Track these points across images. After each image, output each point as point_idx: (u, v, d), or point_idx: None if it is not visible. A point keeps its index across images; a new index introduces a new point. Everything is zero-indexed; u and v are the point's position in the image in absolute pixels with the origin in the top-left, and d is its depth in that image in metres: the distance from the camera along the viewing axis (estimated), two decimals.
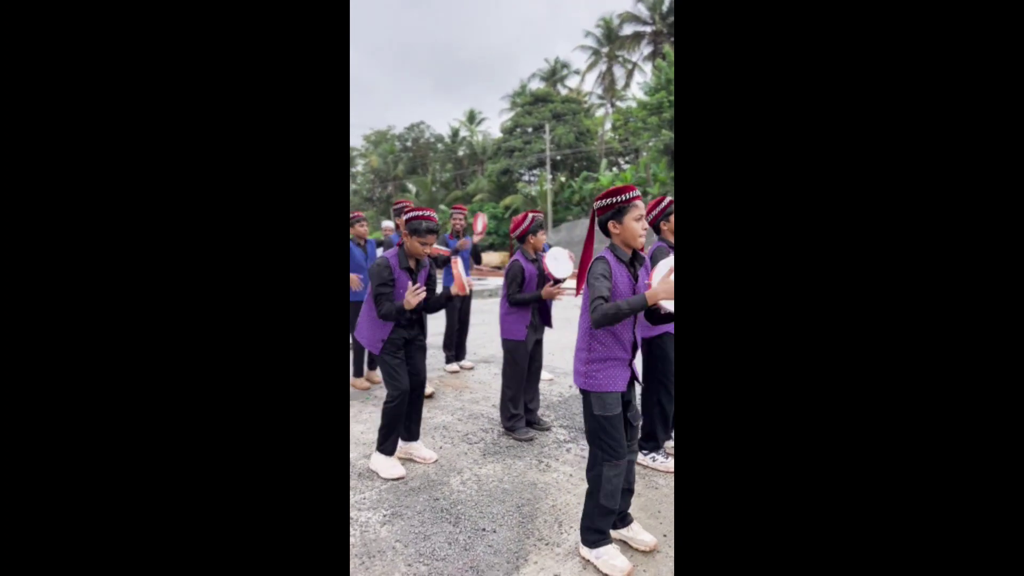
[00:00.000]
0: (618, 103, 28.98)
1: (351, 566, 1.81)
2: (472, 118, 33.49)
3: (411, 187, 34.50)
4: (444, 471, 2.58)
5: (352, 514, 2.17)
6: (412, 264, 2.55)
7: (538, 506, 2.23)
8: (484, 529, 2.05)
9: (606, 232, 1.77)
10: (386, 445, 2.51)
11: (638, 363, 1.91)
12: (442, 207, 30.02)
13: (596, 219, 1.81)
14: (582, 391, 1.79)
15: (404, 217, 2.48)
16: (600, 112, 29.51)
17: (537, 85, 29.70)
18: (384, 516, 2.15)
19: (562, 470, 2.59)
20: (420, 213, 2.44)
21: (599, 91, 30.05)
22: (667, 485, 2.41)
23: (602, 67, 29.45)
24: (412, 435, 2.69)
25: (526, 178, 28.28)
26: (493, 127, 33.96)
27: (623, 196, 1.72)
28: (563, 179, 25.57)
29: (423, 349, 2.69)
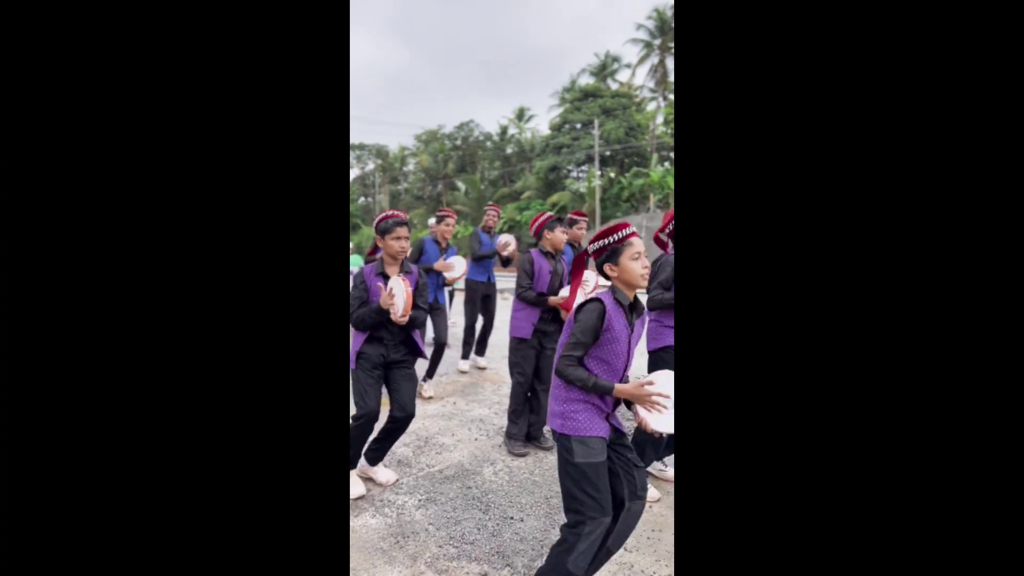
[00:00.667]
0: (670, 96, 28.22)
1: (387, 544, 1.95)
2: (521, 115, 33.59)
3: (460, 185, 35.08)
4: (478, 461, 2.69)
5: (391, 497, 2.31)
6: (391, 271, 2.34)
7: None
8: (512, 517, 2.15)
9: (605, 276, 1.60)
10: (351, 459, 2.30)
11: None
12: (490, 203, 30.28)
13: (591, 263, 1.68)
14: (559, 436, 1.53)
15: (375, 221, 2.39)
16: (651, 106, 28.85)
17: (587, 80, 29.40)
18: (419, 500, 2.29)
19: None
20: (387, 214, 2.34)
21: (651, 84, 29.39)
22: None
23: (654, 59, 28.75)
24: (376, 460, 2.46)
25: (574, 175, 28.12)
26: (542, 124, 33.82)
27: (616, 236, 1.54)
28: (612, 175, 25.22)
29: (411, 379, 2.40)
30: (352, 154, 41.12)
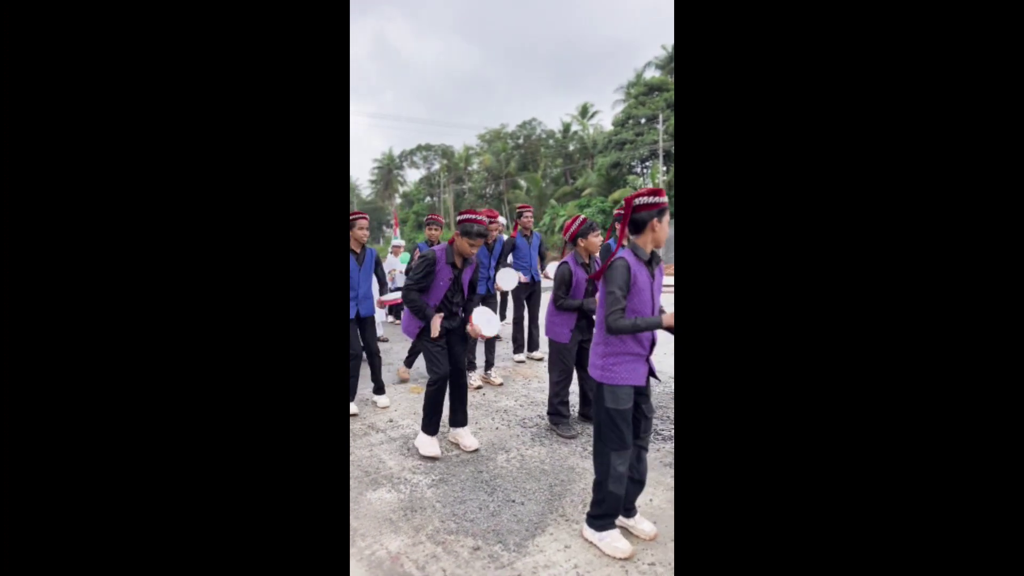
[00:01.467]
0: None
1: (396, 516, 2.14)
2: (585, 112, 33.26)
3: (522, 183, 35.33)
4: (494, 449, 2.84)
5: (408, 476, 2.51)
6: (458, 262, 2.72)
7: (570, 487, 2.39)
8: (514, 501, 2.27)
9: (640, 229, 1.83)
10: (428, 426, 2.74)
11: (657, 358, 1.98)
12: (552, 202, 30.31)
13: (631, 215, 1.84)
14: (597, 384, 1.89)
15: (458, 218, 2.73)
16: None
17: (652, 74, 28.61)
18: (432, 480, 2.47)
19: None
20: (472, 216, 2.66)
21: None
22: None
23: None
24: (458, 422, 2.88)
25: (637, 171, 27.49)
26: (605, 120, 33.25)
27: (664, 198, 1.83)
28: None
29: (464, 339, 2.87)
30: (418, 155, 42.41)
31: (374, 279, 3.62)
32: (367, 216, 3.52)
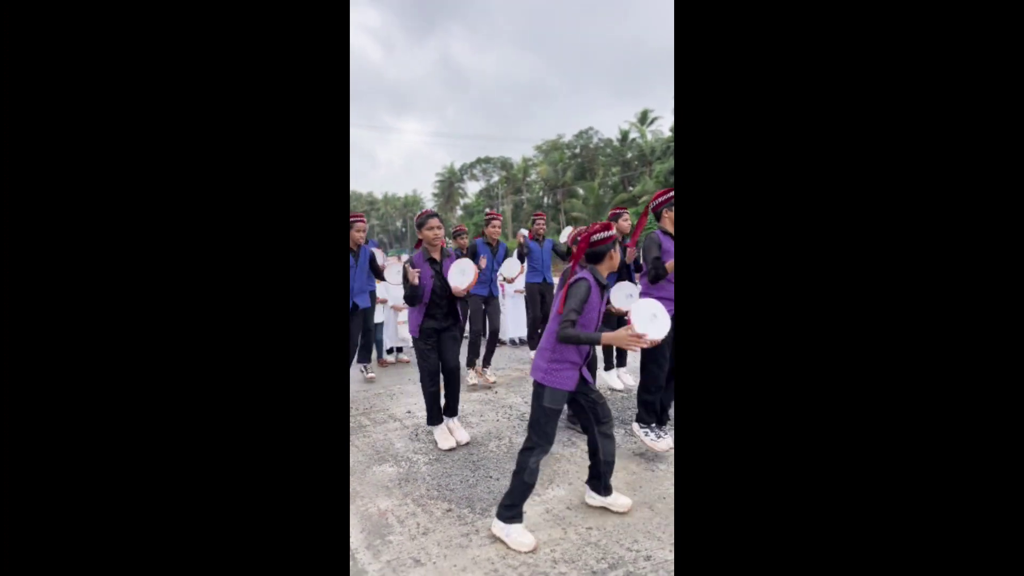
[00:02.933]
0: None
1: (391, 484, 2.59)
2: (644, 118, 32.97)
3: (580, 191, 35.48)
4: (489, 436, 3.23)
5: (410, 455, 2.96)
6: (435, 255, 3.03)
7: (544, 470, 2.73)
8: (491, 477, 2.66)
9: (600, 259, 2.11)
10: (431, 418, 3.13)
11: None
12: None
13: (590, 249, 2.10)
14: (537, 384, 2.12)
15: (416, 220, 3.16)
16: None
17: None
18: (429, 459, 2.90)
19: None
20: (423, 212, 3.09)
21: None
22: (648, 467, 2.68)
23: None
24: (449, 412, 3.21)
25: None
26: (665, 126, 32.76)
27: (614, 231, 2.12)
28: None
29: (456, 340, 3.16)
30: (477, 168, 43.60)
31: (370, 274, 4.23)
32: (364, 218, 4.05)
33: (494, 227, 4.45)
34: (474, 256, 4.34)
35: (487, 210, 5.00)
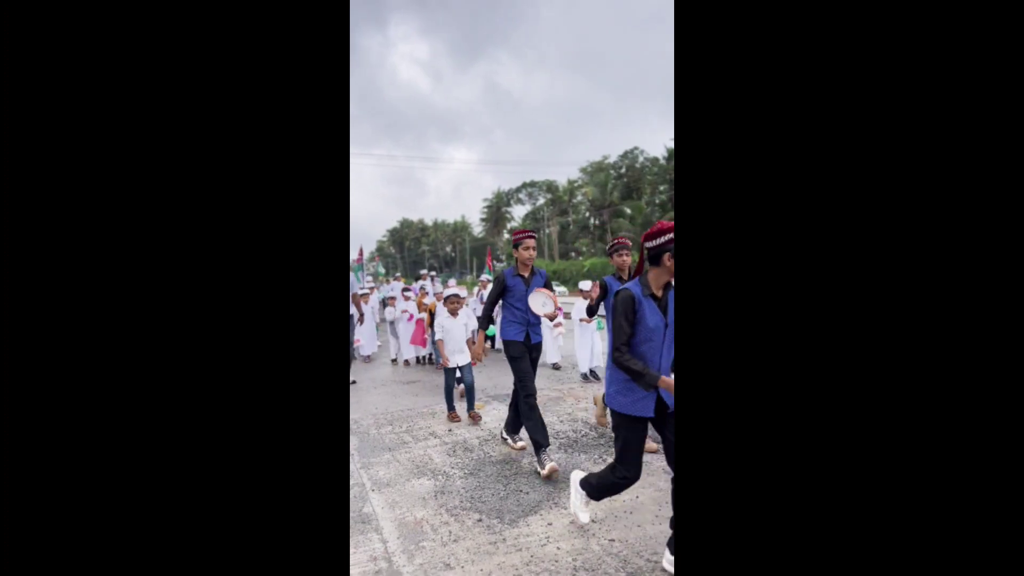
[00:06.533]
0: None
1: (427, 495, 2.77)
2: None
3: (627, 211, 35.28)
4: (524, 454, 3.36)
5: (448, 469, 3.14)
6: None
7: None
8: (521, 491, 2.78)
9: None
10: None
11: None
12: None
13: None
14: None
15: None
16: None
17: None
18: (464, 473, 3.07)
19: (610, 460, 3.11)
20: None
21: None
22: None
23: None
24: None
25: None
26: None
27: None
28: None
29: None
30: (523, 192, 44.21)
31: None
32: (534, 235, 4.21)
33: (527, 249, 3.22)
34: (498, 296, 3.30)
35: (515, 229, 4.25)
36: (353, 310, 5.84)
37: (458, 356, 4.21)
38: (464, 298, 4.55)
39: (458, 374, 4.25)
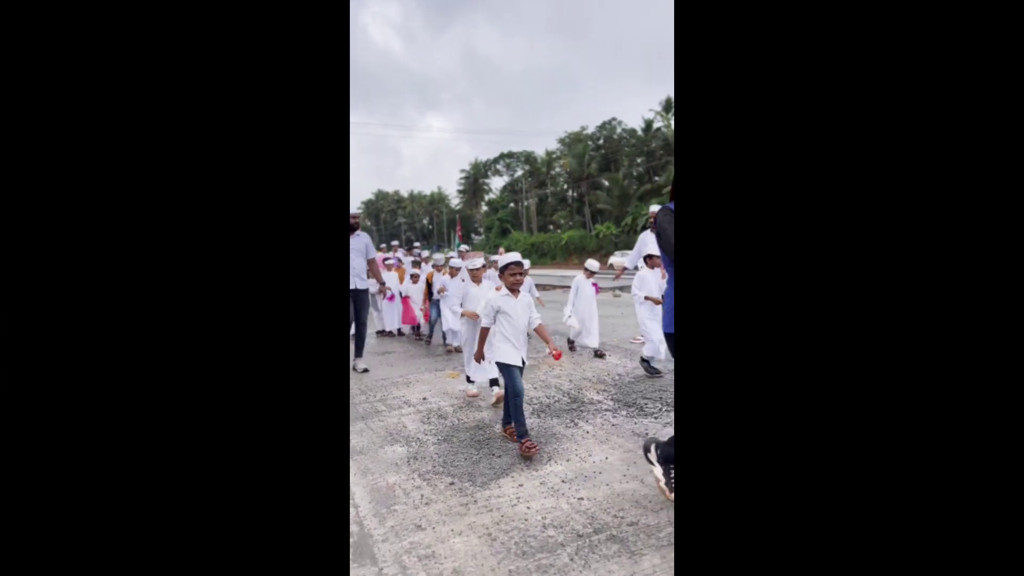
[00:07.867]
0: None
1: (400, 461, 2.78)
2: (669, 106, 32.46)
3: (605, 183, 35.24)
4: (497, 418, 3.39)
5: (421, 436, 3.15)
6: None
7: (544, 448, 2.88)
8: (494, 455, 2.82)
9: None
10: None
11: None
12: (637, 202, 29.90)
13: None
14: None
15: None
16: None
17: None
18: (437, 440, 3.08)
19: (582, 427, 3.16)
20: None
21: None
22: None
23: None
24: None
25: None
26: None
27: None
28: None
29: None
30: (501, 163, 43.71)
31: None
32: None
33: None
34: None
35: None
36: (372, 282, 5.43)
37: (504, 348, 2.94)
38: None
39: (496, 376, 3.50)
